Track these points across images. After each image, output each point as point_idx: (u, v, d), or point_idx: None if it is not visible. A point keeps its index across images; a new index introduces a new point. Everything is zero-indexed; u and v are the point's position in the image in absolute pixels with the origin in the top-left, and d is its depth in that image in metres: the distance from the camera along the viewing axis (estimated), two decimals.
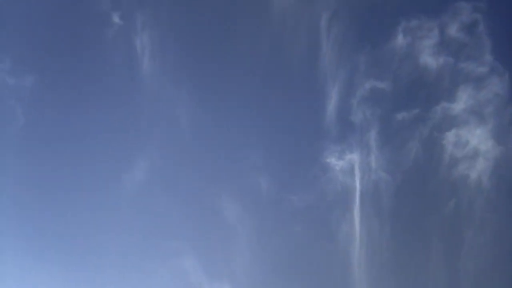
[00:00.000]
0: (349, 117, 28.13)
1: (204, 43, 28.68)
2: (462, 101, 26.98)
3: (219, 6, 28.93)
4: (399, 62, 27.96)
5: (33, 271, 25.63)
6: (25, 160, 26.89)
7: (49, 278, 25.45)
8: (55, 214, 26.43)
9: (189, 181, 27.56)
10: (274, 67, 28.71)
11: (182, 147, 27.78)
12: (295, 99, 28.58)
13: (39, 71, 27.78)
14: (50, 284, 25.29)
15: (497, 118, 26.42)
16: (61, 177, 26.95)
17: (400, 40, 27.83)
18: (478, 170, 26.01)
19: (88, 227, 26.36)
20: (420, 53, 27.66)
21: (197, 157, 27.79)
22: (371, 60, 28.25)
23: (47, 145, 27.29)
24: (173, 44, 28.83)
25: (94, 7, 28.35)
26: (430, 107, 27.32)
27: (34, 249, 26.00)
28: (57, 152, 27.33)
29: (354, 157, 27.66)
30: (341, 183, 27.34)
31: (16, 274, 25.45)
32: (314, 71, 28.39)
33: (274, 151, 28.17)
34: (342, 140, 27.92)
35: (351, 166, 27.52)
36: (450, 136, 26.77)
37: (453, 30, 27.49)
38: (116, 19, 28.24)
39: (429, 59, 27.52)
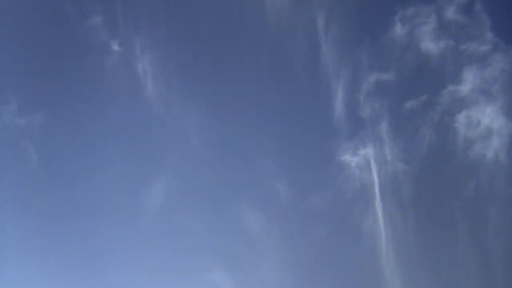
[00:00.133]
0: (357, 112, 28.18)
1: (204, 57, 28.98)
2: (468, 82, 26.94)
3: (214, 19, 29.17)
4: (400, 52, 28.01)
5: None
6: (43, 197, 27.06)
7: None
8: (80, 245, 26.56)
9: (208, 196, 27.62)
10: (276, 73, 28.85)
11: (196, 163, 27.90)
12: (301, 102, 28.69)
13: (46, 108, 28.07)
14: None
15: (506, 94, 26.36)
16: (82, 208, 27.08)
17: (398, 29, 27.89)
18: (494, 148, 25.92)
19: (114, 255, 26.53)
20: (421, 40, 27.70)
21: (212, 171, 27.87)
22: (372, 53, 28.32)
23: (63, 179, 27.53)
24: (174, 64, 29.08)
25: (92, 38, 28.64)
26: (438, 92, 27.31)
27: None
28: (73, 185, 27.50)
29: (368, 151, 27.66)
30: (359, 179, 27.33)
31: None
32: (317, 72, 28.52)
33: (287, 156, 28.22)
34: (354, 136, 27.96)
35: (367, 161, 27.52)
36: (461, 118, 26.71)
37: (450, 12, 27.52)
38: (115, 46, 28.53)
39: (430, 45, 27.55)
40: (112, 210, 27.14)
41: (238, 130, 28.43)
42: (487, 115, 26.33)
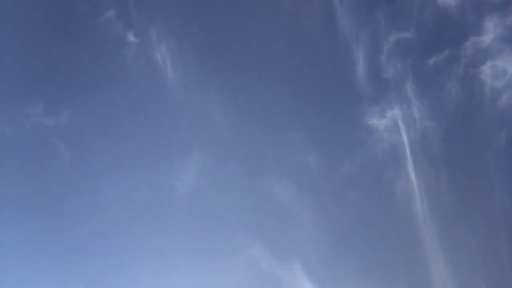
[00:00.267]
0: (381, 74, 27.88)
1: (219, 36, 28.88)
2: (490, 32, 26.35)
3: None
4: (418, 8, 27.51)
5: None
6: (80, 191, 27.62)
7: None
8: (117, 231, 27.21)
9: (239, 174, 27.76)
10: (294, 44, 28.64)
11: (223, 143, 28.03)
12: (323, 71, 28.42)
13: (72, 105, 28.42)
14: None
15: None
16: (118, 198, 27.51)
17: None
18: None
19: (153, 241, 26.96)
20: None
21: (240, 149, 28.01)
22: (390, 13, 27.89)
23: (96, 173, 27.96)
24: (190, 48, 29.05)
25: (108, 33, 28.82)
26: (460, 44, 26.81)
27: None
28: (107, 177, 27.92)
29: (395, 112, 27.37)
30: (388, 141, 27.12)
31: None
32: (336, 38, 28.21)
33: (314, 126, 28.14)
34: (379, 99, 27.70)
35: (395, 122, 27.26)
36: (486, 69, 26.21)
37: None
38: (131, 38, 28.73)
39: None
40: (146, 198, 27.53)
41: (261, 105, 28.44)
42: None
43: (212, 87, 28.56)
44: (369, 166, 27.01)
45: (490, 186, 24.99)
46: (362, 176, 26.98)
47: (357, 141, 27.48)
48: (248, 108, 28.52)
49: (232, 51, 28.90)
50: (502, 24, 26.16)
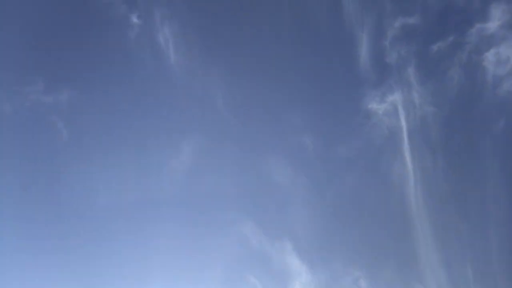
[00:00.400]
0: (384, 59, 27.64)
1: (223, 17, 28.80)
2: (496, 18, 25.97)
3: None
4: None
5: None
6: (77, 169, 27.72)
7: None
8: (110, 204, 27.31)
9: (236, 154, 27.67)
10: (298, 27, 28.47)
11: (222, 123, 27.95)
12: (326, 54, 28.23)
13: (72, 83, 28.49)
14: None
15: None
16: (115, 177, 27.66)
17: None
18: None
19: (146, 215, 27.11)
20: None
21: (238, 129, 27.94)
22: None
23: (94, 151, 27.97)
24: (193, 31, 28.99)
25: (111, 13, 28.85)
26: (465, 31, 26.47)
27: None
28: (104, 155, 27.94)
29: (396, 97, 27.13)
30: (387, 126, 26.90)
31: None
32: (340, 20, 27.99)
33: (314, 107, 27.97)
34: (380, 84, 27.47)
35: (395, 107, 27.01)
36: (489, 56, 25.86)
37: None
38: (134, 19, 28.73)
39: None
40: (142, 176, 27.64)
41: (262, 86, 28.29)
42: None
43: (214, 70, 28.56)
44: (366, 149, 26.86)
45: (485, 174, 24.72)
46: (359, 159, 26.84)
47: (356, 125, 27.32)
48: (248, 89, 28.46)
49: (234, 34, 28.84)
50: (508, 11, 25.80)
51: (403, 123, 26.55)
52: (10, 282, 26.15)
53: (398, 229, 25.10)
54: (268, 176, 27.19)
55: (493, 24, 26.02)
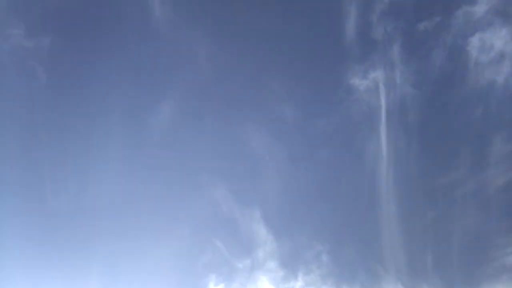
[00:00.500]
0: (370, 34, 27.39)
1: None
2: (484, 3, 25.73)
3: None
4: None
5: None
6: (51, 114, 27.72)
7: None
8: (87, 164, 27.50)
9: (214, 116, 27.75)
10: None
11: (203, 85, 27.90)
12: (312, 23, 27.93)
13: (54, 30, 28.13)
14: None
15: None
16: (90, 126, 27.65)
17: None
18: (505, 73, 24.98)
19: (120, 170, 27.33)
20: None
21: (219, 92, 27.89)
22: None
23: (71, 98, 27.92)
24: None
25: None
26: (452, 12, 26.21)
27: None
28: (82, 104, 27.90)
29: (378, 74, 27.07)
30: (367, 103, 26.95)
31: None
32: None
33: (296, 77, 27.87)
34: (364, 59, 27.32)
35: (376, 85, 26.99)
36: (474, 41, 25.70)
37: None
38: None
39: None
40: (118, 131, 27.61)
41: (246, 52, 28.11)
42: (501, 38, 25.25)
43: (199, 29, 28.24)
44: (344, 125, 26.99)
45: (457, 162, 25.01)
46: (336, 134, 27.00)
47: (336, 99, 27.34)
48: (231, 53, 28.24)
49: None
50: None
51: (383, 102, 26.60)
52: None
53: (365, 208, 25.56)
54: (245, 142, 27.43)
55: (480, 8, 25.76)
